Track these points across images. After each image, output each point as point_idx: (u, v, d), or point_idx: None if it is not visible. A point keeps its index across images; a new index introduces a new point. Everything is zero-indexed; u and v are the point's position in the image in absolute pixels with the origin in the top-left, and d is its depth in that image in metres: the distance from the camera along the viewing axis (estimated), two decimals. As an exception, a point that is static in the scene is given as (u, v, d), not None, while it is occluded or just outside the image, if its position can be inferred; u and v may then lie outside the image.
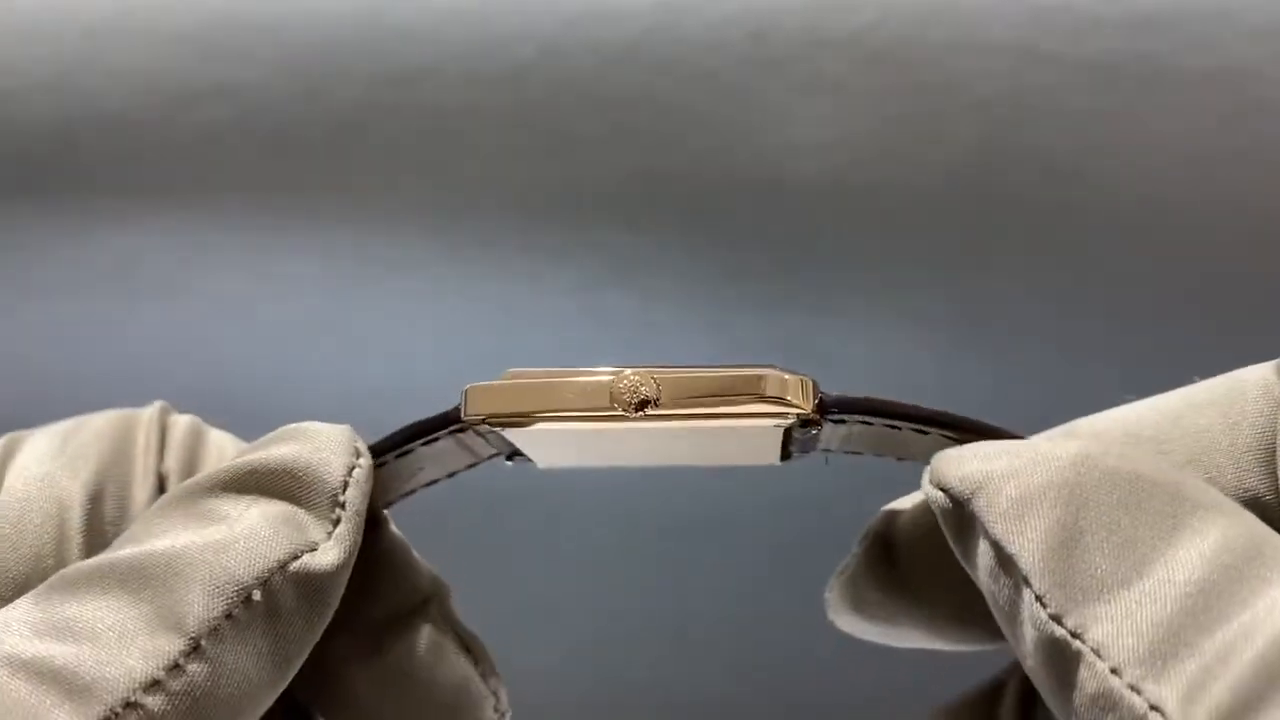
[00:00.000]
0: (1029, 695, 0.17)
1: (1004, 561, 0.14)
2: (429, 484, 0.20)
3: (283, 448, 0.16)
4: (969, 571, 0.16)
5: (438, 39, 0.41)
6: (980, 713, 0.18)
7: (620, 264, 0.42)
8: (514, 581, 0.43)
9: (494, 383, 0.17)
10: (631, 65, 0.40)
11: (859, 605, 0.19)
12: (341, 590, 0.16)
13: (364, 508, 0.16)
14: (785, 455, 0.19)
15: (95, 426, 0.18)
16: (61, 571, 0.15)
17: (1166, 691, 0.12)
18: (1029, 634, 0.13)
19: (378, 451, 0.18)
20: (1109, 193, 0.39)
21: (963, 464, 0.15)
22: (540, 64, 0.40)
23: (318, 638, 0.16)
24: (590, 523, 0.43)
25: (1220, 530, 0.13)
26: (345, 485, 0.16)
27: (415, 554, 0.19)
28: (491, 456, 0.20)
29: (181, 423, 0.19)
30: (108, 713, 0.13)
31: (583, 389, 0.17)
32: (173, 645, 0.14)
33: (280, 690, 0.16)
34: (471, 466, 0.20)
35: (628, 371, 0.16)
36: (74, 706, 0.13)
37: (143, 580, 0.14)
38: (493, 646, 0.20)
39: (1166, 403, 0.17)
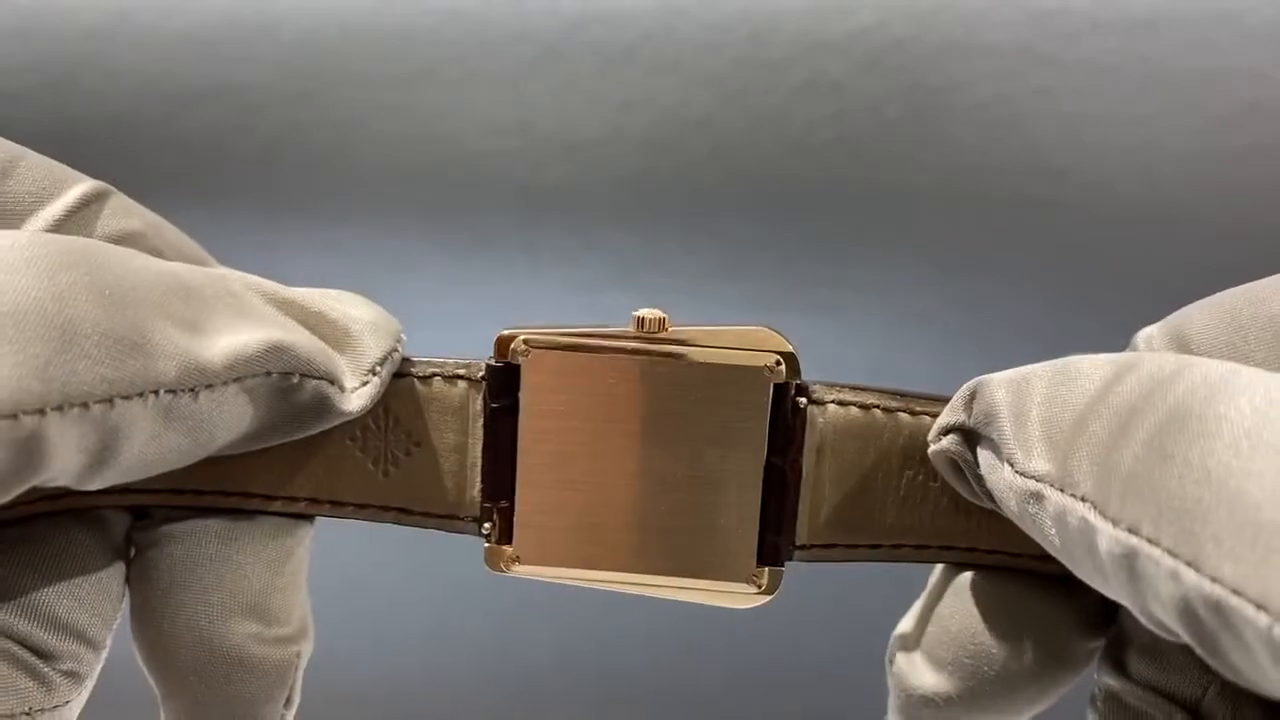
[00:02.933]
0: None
1: (990, 445, 0.17)
2: (399, 511, 0.20)
3: (345, 308, 0.19)
4: (987, 497, 0.18)
5: (438, 40, 0.41)
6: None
7: (620, 264, 0.42)
8: (513, 580, 0.43)
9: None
10: (631, 67, 0.40)
11: None
12: (329, 427, 0.18)
13: (388, 381, 0.19)
14: (761, 548, 0.20)
15: (182, 238, 0.20)
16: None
17: (1089, 484, 0.15)
18: (1013, 501, 0.17)
19: (409, 363, 0.19)
20: (1107, 193, 0.40)
21: (949, 406, 0.19)
22: (541, 65, 0.40)
23: (285, 440, 0.18)
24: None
25: (1121, 366, 0.16)
26: (384, 361, 0.19)
27: (300, 596, 0.20)
28: (471, 519, 0.20)
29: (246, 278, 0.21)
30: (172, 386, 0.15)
31: (602, 327, 0.19)
32: (202, 375, 0.16)
33: (236, 449, 0.17)
34: (448, 520, 0.20)
35: (640, 309, 0.19)
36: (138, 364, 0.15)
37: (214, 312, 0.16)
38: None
39: None
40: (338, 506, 0.20)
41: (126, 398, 0.14)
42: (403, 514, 0.20)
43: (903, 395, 0.20)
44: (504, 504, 0.20)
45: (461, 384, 0.19)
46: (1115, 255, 0.40)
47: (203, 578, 0.18)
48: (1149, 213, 0.40)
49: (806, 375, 0.19)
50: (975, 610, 0.19)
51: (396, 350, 0.19)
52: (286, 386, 0.17)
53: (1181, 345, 0.18)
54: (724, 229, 0.42)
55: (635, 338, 0.19)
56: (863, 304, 0.42)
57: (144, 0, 0.41)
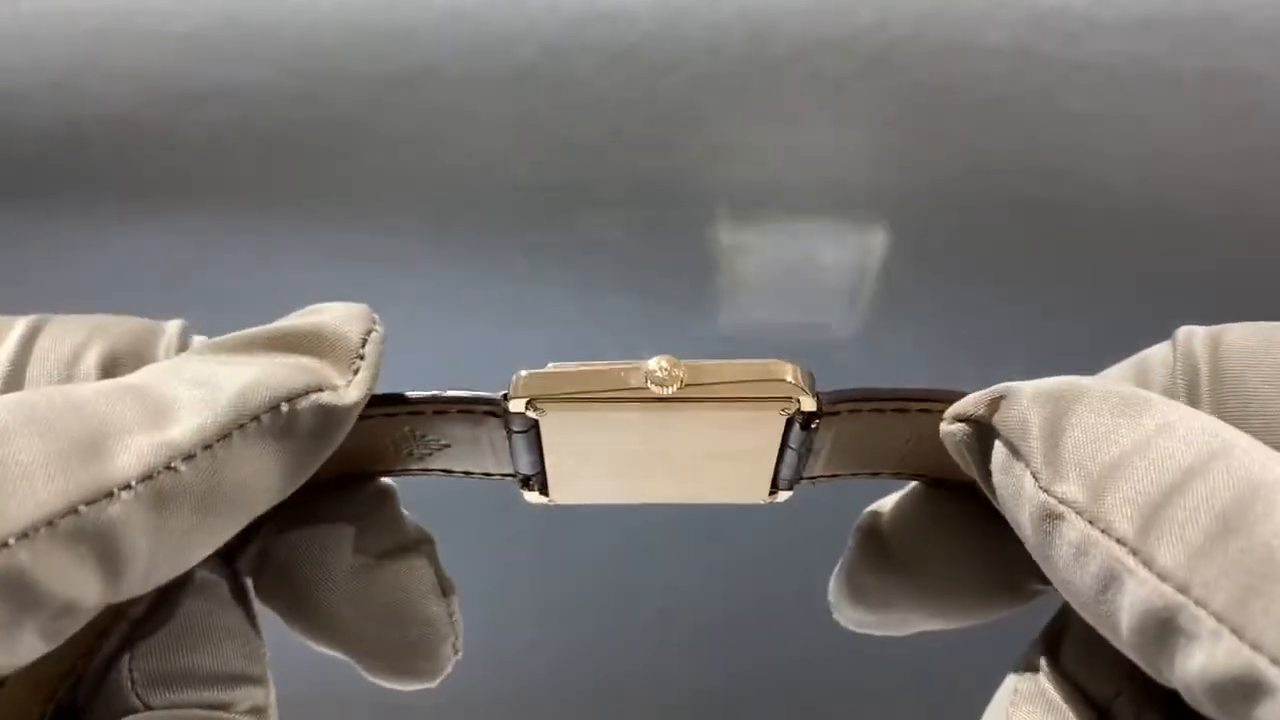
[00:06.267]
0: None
1: (1013, 453, 0.18)
2: (442, 472, 0.21)
3: (308, 318, 0.19)
4: (983, 485, 0.19)
5: (438, 40, 0.41)
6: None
7: (620, 264, 0.42)
8: (514, 581, 0.44)
9: (539, 370, 0.19)
10: (632, 66, 0.40)
11: (859, 595, 0.21)
12: (350, 426, 0.18)
13: (379, 362, 0.19)
14: (774, 486, 0.21)
15: (118, 319, 0.20)
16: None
17: (1127, 527, 0.15)
18: (1027, 509, 0.17)
19: (418, 401, 0.20)
20: (1107, 194, 0.40)
21: (974, 398, 0.19)
22: (541, 65, 0.40)
23: (320, 463, 0.18)
24: (594, 526, 0.44)
25: (1166, 418, 0.17)
26: (364, 343, 0.19)
27: (404, 510, 0.21)
28: (508, 475, 0.21)
29: (200, 342, 0.21)
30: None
31: (618, 374, 0.19)
32: (171, 451, 0.16)
33: (280, 498, 0.18)
34: (486, 476, 0.22)
35: (655, 359, 0.19)
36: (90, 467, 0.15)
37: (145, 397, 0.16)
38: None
39: None
40: (391, 472, 0.21)
41: (91, 502, 0.14)
42: (446, 473, 0.21)
43: (909, 393, 0.20)
44: (538, 472, 0.21)
45: (480, 412, 0.20)
46: (1115, 255, 0.40)
47: (314, 550, 0.20)
48: (1149, 213, 0.40)
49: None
50: (948, 511, 0.21)
51: (373, 330, 0.19)
52: (282, 423, 0.17)
53: (1214, 346, 0.19)
54: (723, 230, 0.42)
55: (648, 395, 0.19)
56: (862, 303, 0.42)
57: (145, 1, 0.41)
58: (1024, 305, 0.41)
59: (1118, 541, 0.16)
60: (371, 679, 0.21)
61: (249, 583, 0.20)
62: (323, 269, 0.42)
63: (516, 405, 0.19)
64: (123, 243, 0.43)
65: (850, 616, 0.22)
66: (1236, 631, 0.13)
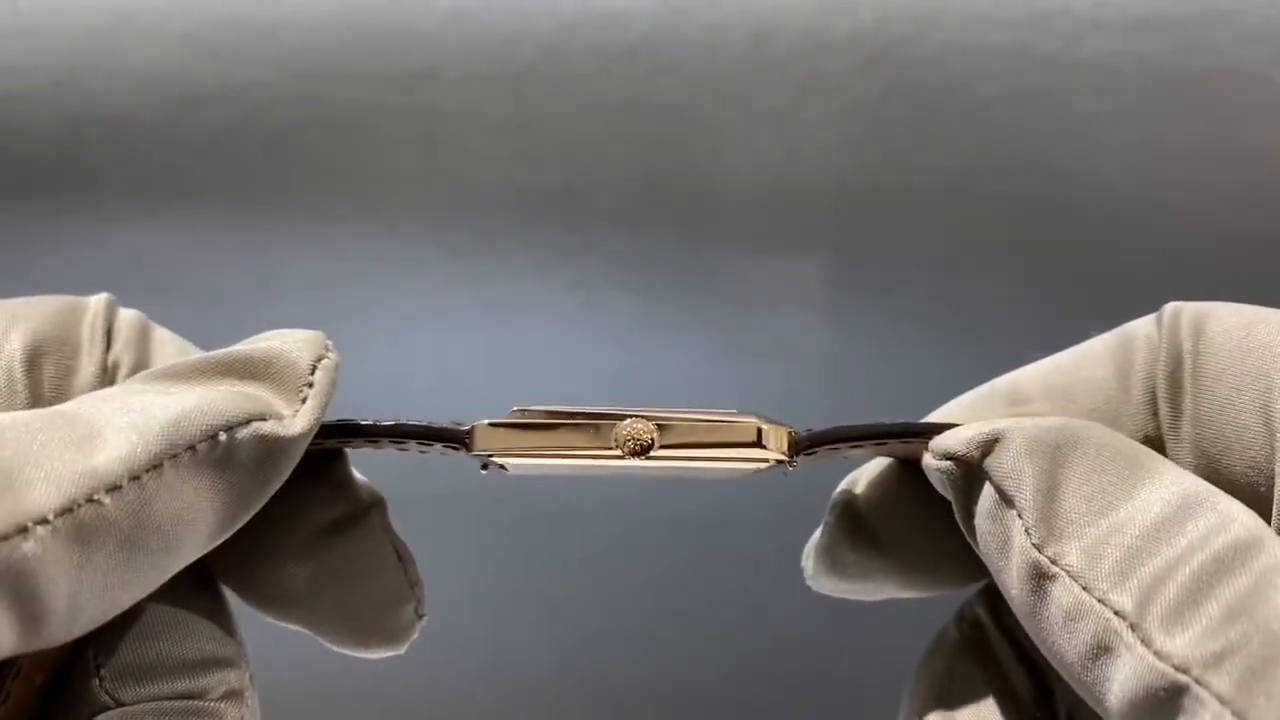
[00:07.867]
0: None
1: (1005, 501, 0.17)
2: (397, 449, 0.21)
3: (257, 343, 0.18)
4: (963, 523, 0.18)
5: (438, 40, 0.41)
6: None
7: (620, 264, 0.42)
8: (512, 581, 0.43)
9: (501, 421, 0.19)
10: (632, 67, 0.40)
11: (837, 568, 0.22)
12: (298, 459, 0.17)
13: (330, 390, 0.18)
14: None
15: (38, 301, 0.20)
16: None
17: (1125, 599, 0.15)
18: (1016, 562, 0.17)
19: (377, 432, 0.19)
20: (1108, 194, 0.40)
21: (963, 436, 0.18)
22: (541, 65, 0.40)
23: (266, 498, 0.17)
24: (590, 521, 0.44)
25: (1165, 484, 0.17)
26: (313, 369, 0.18)
27: (355, 470, 0.20)
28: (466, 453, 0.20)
29: (128, 315, 0.20)
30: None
31: (586, 435, 0.18)
32: (95, 481, 0.15)
33: (223, 535, 0.17)
34: (443, 454, 0.21)
35: (628, 420, 0.18)
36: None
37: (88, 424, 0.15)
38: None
39: (1070, 358, 0.20)
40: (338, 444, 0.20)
41: (3, 538, 0.13)
42: (401, 450, 0.20)
43: (889, 429, 0.20)
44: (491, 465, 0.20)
45: (439, 446, 0.19)
46: (1116, 255, 0.40)
47: (265, 521, 0.18)
48: (1150, 213, 0.40)
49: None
50: (925, 487, 0.20)
51: (325, 357, 0.18)
52: (220, 453, 0.16)
53: (1196, 335, 0.19)
54: (724, 229, 0.42)
55: (617, 458, 0.18)
56: (863, 304, 0.42)
57: (145, 1, 0.41)
58: (1024, 305, 0.41)
59: (1116, 614, 0.15)
60: (337, 649, 0.20)
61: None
62: (322, 268, 0.42)
63: (478, 451, 0.18)
64: (122, 242, 0.43)
65: (826, 585, 0.22)
66: (1239, 715, 0.14)
